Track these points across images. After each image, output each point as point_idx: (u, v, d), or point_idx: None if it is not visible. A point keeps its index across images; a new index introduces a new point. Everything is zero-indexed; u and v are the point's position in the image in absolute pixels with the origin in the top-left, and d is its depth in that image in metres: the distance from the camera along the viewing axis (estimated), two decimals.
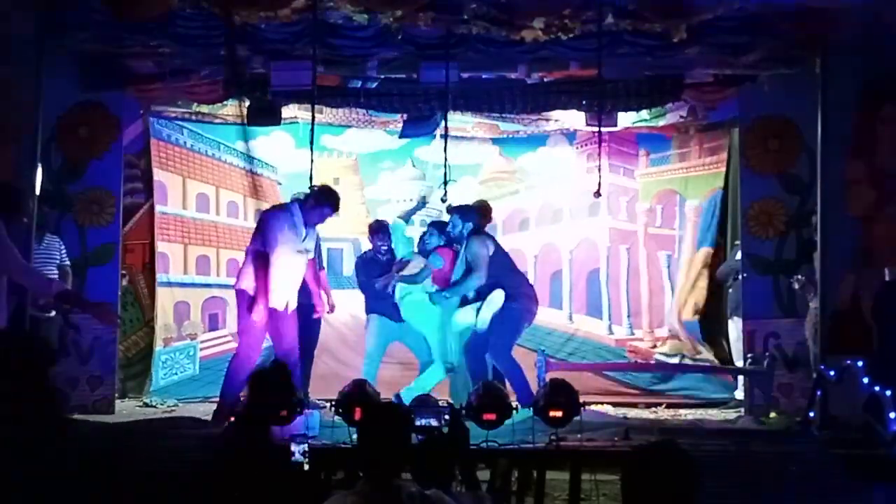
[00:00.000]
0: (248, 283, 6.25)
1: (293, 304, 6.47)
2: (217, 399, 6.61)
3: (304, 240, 6.41)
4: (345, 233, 8.74)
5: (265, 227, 6.31)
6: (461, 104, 7.37)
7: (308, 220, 6.44)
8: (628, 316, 8.72)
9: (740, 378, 7.76)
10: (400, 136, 7.74)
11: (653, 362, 8.45)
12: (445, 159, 6.77)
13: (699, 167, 8.62)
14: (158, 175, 8.29)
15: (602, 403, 7.76)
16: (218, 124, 8.49)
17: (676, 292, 8.61)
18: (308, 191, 6.45)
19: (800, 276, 6.88)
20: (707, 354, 8.39)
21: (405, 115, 7.53)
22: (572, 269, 8.84)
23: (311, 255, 6.68)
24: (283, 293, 6.36)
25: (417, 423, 5.13)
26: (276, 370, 4.70)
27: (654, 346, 8.63)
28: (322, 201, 6.44)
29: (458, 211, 6.99)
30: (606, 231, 8.78)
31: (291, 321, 6.44)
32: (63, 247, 6.92)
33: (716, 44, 6.49)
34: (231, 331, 7.99)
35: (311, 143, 6.46)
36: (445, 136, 6.91)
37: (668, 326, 8.63)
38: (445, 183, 6.74)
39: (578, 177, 8.76)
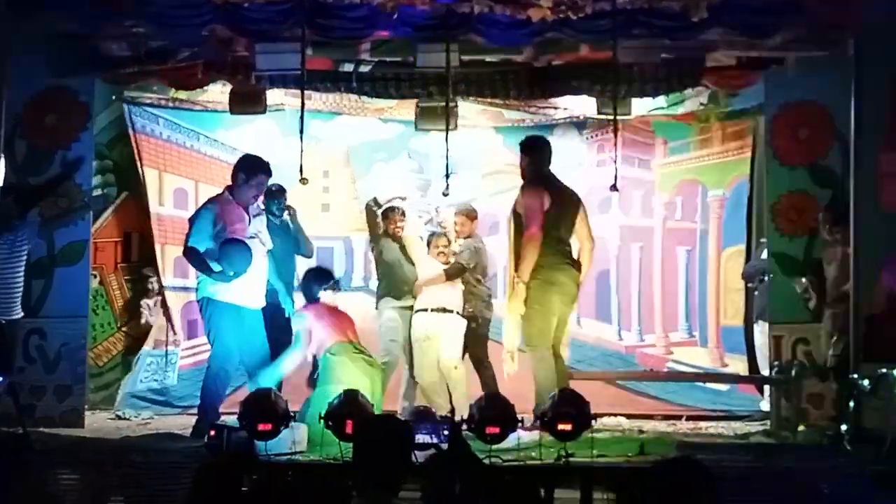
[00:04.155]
0: (211, 288, 6.27)
1: (261, 301, 6.49)
2: (196, 411, 6.64)
3: (249, 223, 6.41)
4: (335, 230, 8.75)
5: (200, 225, 6.33)
6: (462, 90, 7.35)
7: (244, 199, 6.43)
8: (639, 321, 8.77)
9: (766, 388, 7.78)
10: (416, 129, 7.68)
11: (666, 370, 8.48)
12: (447, 150, 6.77)
13: (722, 154, 8.62)
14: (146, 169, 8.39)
15: (615, 415, 7.73)
16: (197, 112, 8.50)
17: (709, 294, 8.63)
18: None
19: (804, 278, 6.87)
20: (736, 367, 8.41)
21: (419, 103, 7.43)
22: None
23: (269, 246, 6.70)
24: (248, 289, 6.38)
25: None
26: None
27: (669, 354, 8.66)
28: (250, 172, 6.44)
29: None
30: (617, 229, 8.81)
31: (259, 322, 6.48)
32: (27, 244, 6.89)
33: (739, 24, 6.47)
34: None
35: (301, 131, 6.47)
36: (447, 126, 6.92)
37: (687, 331, 8.69)
38: (447, 176, 6.74)
39: (588, 169, 8.78)
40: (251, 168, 6.51)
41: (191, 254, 6.34)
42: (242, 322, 6.41)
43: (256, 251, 6.43)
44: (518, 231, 6.70)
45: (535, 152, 6.83)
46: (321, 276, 6.79)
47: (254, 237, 6.47)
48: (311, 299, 6.66)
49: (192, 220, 6.46)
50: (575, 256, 6.86)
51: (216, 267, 6.23)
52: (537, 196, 6.59)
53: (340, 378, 6.22)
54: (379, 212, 7.52)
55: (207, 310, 6.39)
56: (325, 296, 6.66)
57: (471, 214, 7.69)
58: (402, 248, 7.51)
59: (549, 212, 6.54)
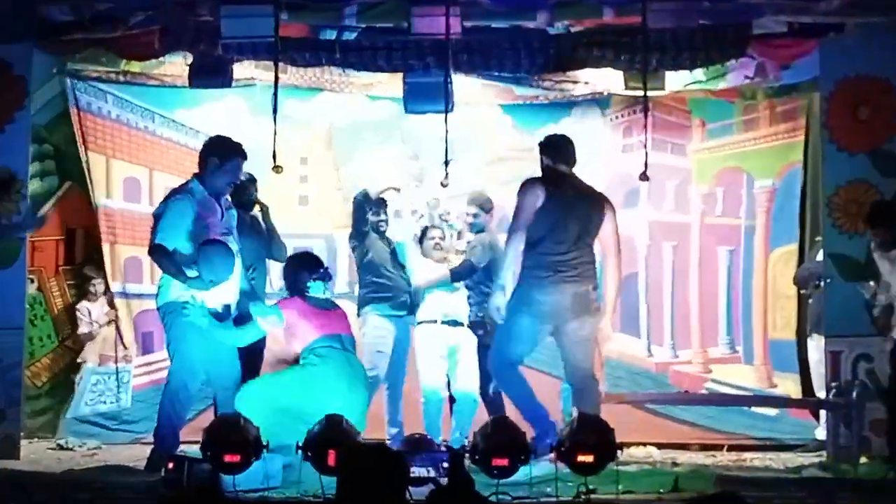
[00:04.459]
0: (176, 294, 6.26)
1: (231, 311, 6.50)
2: (152, 440, 6.64)
3: (222, 218, 6.41)
4: (315, 227, 8.78)
5: (169, 220, 6.25)
6: (464, 61, 7.37)
7: (217, 188, 6.40)
8: (672, 334, 8.80)
9: (822, 413, 7.77)
10: (406, 111, 7.66)
11: (705, 392, 8.52)
12: (446, 132, 6.76)
13: (770, 137, 8.64)
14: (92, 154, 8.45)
15: (644, 444, 7.77)
16: (152, 87, 8.53)
17: (754, 302, 8.65)
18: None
19: (871, 282, 6.84)
20: (786, 388, 8.46)
21: (407, 78, 7.42)
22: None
23: (236, 247, 6.64)
24: (219, 296, 6.37)
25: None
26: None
27: (707, 372, 8.70)
28: (224, 156, 6.39)
29: None
30: (646, 226, 8.85)
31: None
32: None
33: None
34: None
35: (274, 110, 6.49)
36: (446, 105, 6.93)
37: (729, 346, 8.72)
38: (446, 163, 6.73)
39: (612, 155, 8.81)
40: (224, 150, 6.44)
41: (159, 253, 6.24)
42: (210, 333, 6.41)
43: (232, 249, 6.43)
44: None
45: (550, 150, 6.75)
46: (309, 264, 6.78)
47: (228, 234, 6.44)
48: (297, 291, 6.65)
49: (160, 214, 6.36)
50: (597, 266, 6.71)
51: (191, 272, 6.21)
52: (531, 192, 6.49)
53: (315, 380, 6.26)
54: (371, 212, 7.51)
55: (168, 318, 6.36)
56: (315, 288, 6.66)
57: (486, 206, 7.71)
58: (393, 250, 7.56)
59: (545, 208, 6.44)
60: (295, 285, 6.66)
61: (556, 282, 6.38)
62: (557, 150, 6.69)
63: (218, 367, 6.39)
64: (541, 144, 6.79)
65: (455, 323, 7.40)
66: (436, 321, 7.36)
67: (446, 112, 6.96)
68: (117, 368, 8.38)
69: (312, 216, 8.76)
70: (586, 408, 6.23)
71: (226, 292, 6.38)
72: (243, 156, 6.47)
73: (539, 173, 6.68)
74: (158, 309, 6.44)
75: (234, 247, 6.43)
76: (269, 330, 6.53)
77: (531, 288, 6.39)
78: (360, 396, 6.42)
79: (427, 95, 7.20)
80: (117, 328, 8.43)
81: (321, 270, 6.73)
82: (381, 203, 7.54)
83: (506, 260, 6.52)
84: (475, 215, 7.66)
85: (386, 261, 7.51)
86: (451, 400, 7.39)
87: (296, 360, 6.52)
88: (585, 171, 8.57)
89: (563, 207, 6.45)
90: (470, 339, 7.40)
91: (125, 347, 8.42)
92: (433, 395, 7.28)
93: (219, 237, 6.30)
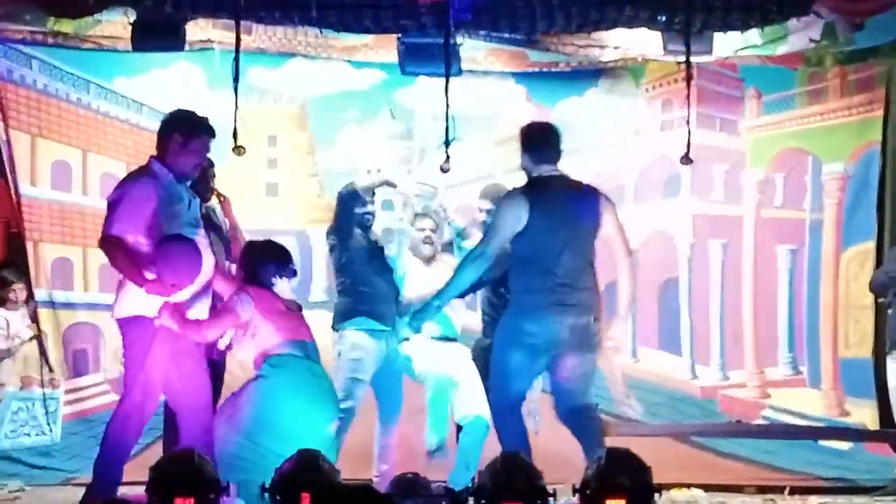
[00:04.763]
0: (140, 306, 6.10)
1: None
2: (86, 480, 6.49)
3: (189, 206, 6.34)
4: (286, 222, 8.75)
5: (129, 207, 6.11)
6: (468, 20, 7.34)
7: (182, 171, 6.30)
8: (721, 351, 8.81)
9: None
10: (403, 72, 7.65)
11: (763, 422, 8.52)
12: (447, 105, 6.76)
13: (841, 112, 8.68)
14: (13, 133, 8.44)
15: (688, 486, 7.72)
16: (87, 51, 8.50)
17: (822, 313, 8.69)
18: None
19: None
20: (861, 416, 8.45)
21: (402, 38, 7.41)
22: (637, 280, 8.78)
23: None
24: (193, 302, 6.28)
25: None
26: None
27: (765, 397, 8.73)
28: (189, 132, 6.28)
29: None
30: (689, 220, 8.89)
31: (198, 353, 6.30)
32: None
33: None
34: (108, 377, 8.07)
35: (236, 80, 6.53)
36: (447, 73, 6.93)
37: (791, 365, 8.78)
38: (447, 143, 6.76)
39: (649, 134, 8.88)
40: (189, 126, 6.30)
41: (113, 247, 6.05)
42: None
43: (201, 243, 6.30)
44: None
45: (531, 147, 6.54)
46: (277, 255, 6.65)
47: (195, 227, 6.33)
48: (263, 283, 6.55)
49: (116, 200, 6.19)
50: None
51: (150, 275, 6.03)
52: (511, 211, 6.36)
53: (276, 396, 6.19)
54: (357, 205, 7.35)
55: (130, 332, 6.18)
56: (282, 286, 6.58)
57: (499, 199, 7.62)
58: (380, 249, 7.45)
59: (531, 227, 6.29)
60: (256, 280, 6.54)
61: (550, 311, 6.26)
62: (540, 146, 6.53)
63: (184, 382, 6.22)
64: (521, 138, 6.63)
65: (447, 338, 7.31)
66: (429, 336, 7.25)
67: (447, 77, 6.93)
68: (44, 395, 8.32)
69: (282, 208, 8.72)
70: (590, 441, 6.17)
71: (194, 302, 6.28)
72: (211, 132, 6.36)
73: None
74: (118, 321, 6.25)
75: (204, 242, 6.36)
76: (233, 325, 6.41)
77: (520, 317, 6.29)
78: (326, 416, 6.30)
79: (427, 57, 7.20)
80: (41, 345, 8.34)
81: (290, 265, 6.65)
82: (368, 193, 7.41)
83: (455, 282, 6.42)
84: (489, 212, 7.45)
85: (370, 263, 7.36)
86: (458, 428, 7.24)
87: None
88: (618, 153, 8.90)
89: (553, 222, 6.30)
90: (467, 355, 7.29)
91: (51, 370, 8.36)
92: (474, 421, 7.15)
93: (183, 231, 6.18)
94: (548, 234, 6.29)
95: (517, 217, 6.27)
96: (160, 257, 6.03)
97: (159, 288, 6.00)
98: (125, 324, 6.17)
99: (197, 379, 6.26)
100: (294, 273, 6.71)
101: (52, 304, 8.44)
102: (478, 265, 6.35)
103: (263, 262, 6.56)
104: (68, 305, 8.34)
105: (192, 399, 6.23)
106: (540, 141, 6.49)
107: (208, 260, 6.29)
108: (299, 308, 6.67)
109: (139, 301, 6.07)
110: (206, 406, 6.24)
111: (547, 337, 6.25)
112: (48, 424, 8.31)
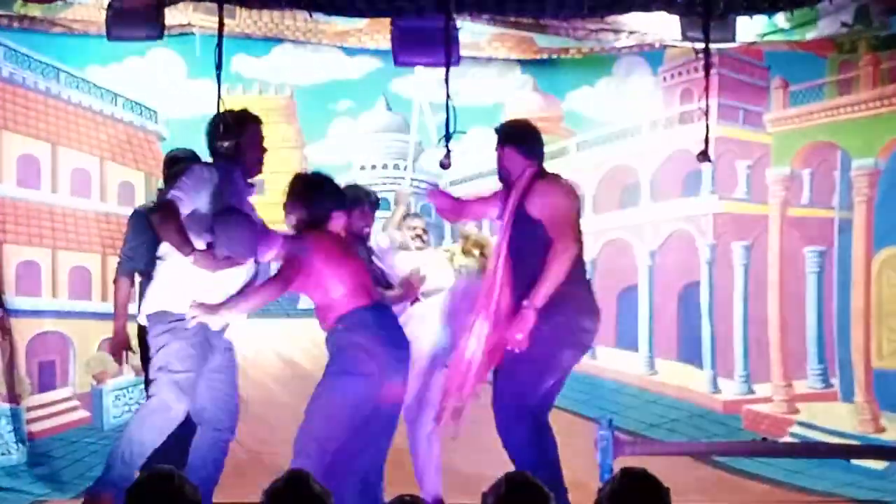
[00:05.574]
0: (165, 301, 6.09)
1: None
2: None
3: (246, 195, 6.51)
4: (273, 222, 8.19)
5: (192, 179, 6.13)
6: (470, 2, 7.25)
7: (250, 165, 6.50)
8: (745, 363, 8.77)
9: None
10: (396, 63, 7.49)
11: (790, 440, 8.48)
12: (448, 96, 6.59)
13: (874, 103, 8.53)
14: None
15: None
16: (58, 36, 8.38)
17: (853, 321, 8.59)
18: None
19: None
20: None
21: (396, 22, 7.29)
22: (654, 285, 8.91)
23: None
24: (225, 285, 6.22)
25: None
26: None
27: (793, 412, 8.66)
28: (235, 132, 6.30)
29: None
30: (710, 219, 8.85)
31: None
32: None
33: None
34: (78, 391, 8.18)
35: (218, 68, 6.37)
36: (447, 61, 6.72)
37: (821, 378, 8.68)
38: (448, 137, 6.61)
39: (666, 126, 8.85)
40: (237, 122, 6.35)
41: (170, 213, 5.99)
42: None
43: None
44: None
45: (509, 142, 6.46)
46: (334, 192, 6.65)
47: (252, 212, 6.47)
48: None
49: (182, 173, 6.29)
50: None
51: (199, 243, 6.00)
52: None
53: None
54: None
55: (155, 327, 6.09)
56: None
57: None
58: (372, 253, 7.31)
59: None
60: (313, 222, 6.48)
61: (595, 307, 6.38)
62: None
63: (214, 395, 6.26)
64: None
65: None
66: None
67: (448, 65, 6.70)
68: (11, 410, 8.20)
69: (268, 209, 8.10)
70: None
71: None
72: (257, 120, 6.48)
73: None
74: (148, 317, 6.14)
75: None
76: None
77: (580, 313, 6.19)
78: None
79: (424, 43, 7.04)
80: (11, 357, 8.22)
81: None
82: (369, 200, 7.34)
83: (552, 275, 6.10)
84: None
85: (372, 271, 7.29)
86: None
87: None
88: (633, 147, 8.98)
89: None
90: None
91: (18, 383, 8.26)
92: None
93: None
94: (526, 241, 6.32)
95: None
96: (220, 228, 6.04)
97: (207, 260, 5.99)
98: (152, 319, 6.14)
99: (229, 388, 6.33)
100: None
101: (15, 313, 8.29)
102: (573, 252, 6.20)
103: (320, 197, 6.60)
104: (35, 313, 8.28)
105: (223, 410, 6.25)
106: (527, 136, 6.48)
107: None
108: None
109: (165, 296, 6.07)
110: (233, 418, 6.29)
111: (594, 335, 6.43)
112: (15, 443, 8.13)
